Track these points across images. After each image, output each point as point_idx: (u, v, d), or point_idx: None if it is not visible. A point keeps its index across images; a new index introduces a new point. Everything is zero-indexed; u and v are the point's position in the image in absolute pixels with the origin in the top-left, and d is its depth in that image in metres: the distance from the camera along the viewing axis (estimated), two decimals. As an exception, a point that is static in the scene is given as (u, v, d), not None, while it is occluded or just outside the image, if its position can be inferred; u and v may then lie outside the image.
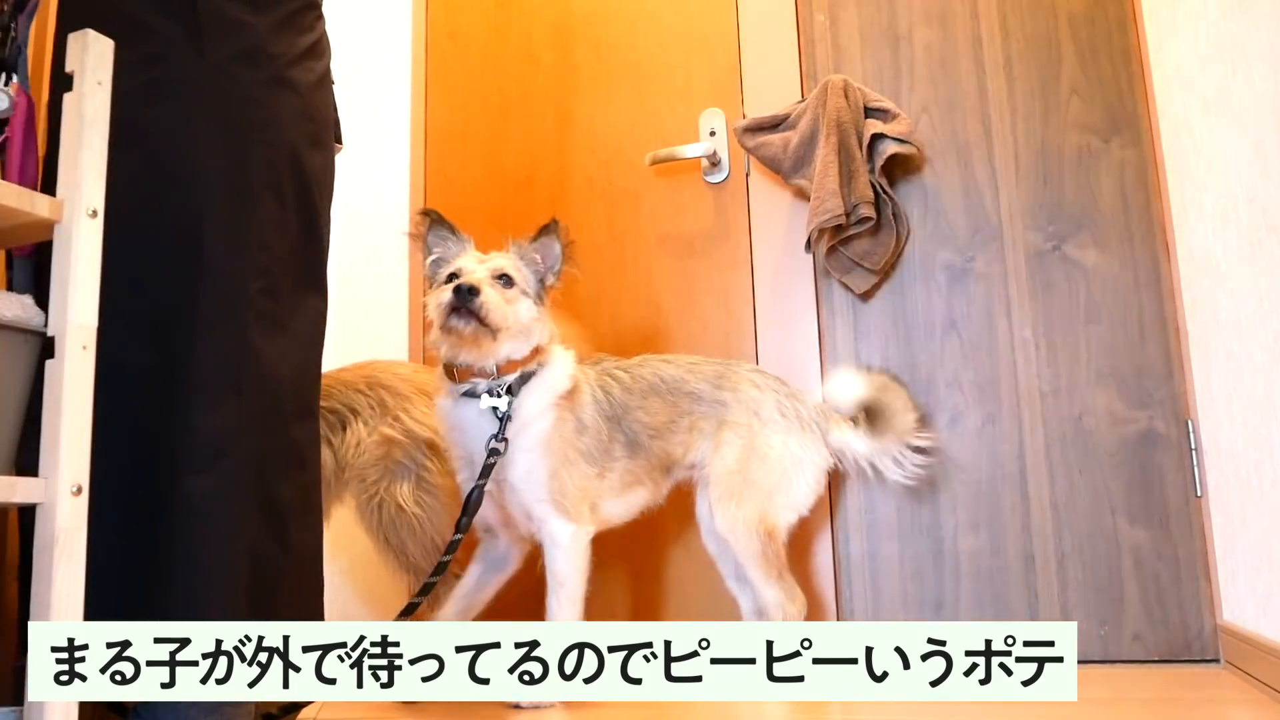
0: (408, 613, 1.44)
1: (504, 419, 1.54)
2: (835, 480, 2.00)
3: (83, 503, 1.02)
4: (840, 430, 1.75)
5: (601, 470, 1.64)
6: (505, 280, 1.57)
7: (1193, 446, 1.82)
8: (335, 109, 1.54)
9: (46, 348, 1.03)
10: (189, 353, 1.19)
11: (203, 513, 1.15)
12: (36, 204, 1.04)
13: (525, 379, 1.58)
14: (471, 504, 1.52)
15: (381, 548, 1.81)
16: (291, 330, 1.29)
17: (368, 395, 1.84)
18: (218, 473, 1.17)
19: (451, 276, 1.55)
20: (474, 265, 1.57)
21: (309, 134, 1.36)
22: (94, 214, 1.07)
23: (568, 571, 1.56)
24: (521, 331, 1.57)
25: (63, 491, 1.00)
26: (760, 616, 1.79)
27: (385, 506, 1.78)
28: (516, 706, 1.51)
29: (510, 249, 1.63)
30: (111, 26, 1.10)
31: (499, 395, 1.55)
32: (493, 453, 1.53)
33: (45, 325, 1.04)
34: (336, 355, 1.86)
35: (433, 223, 1.67)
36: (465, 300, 1.48)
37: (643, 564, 2.12)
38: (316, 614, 1.34)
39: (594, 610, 2.12)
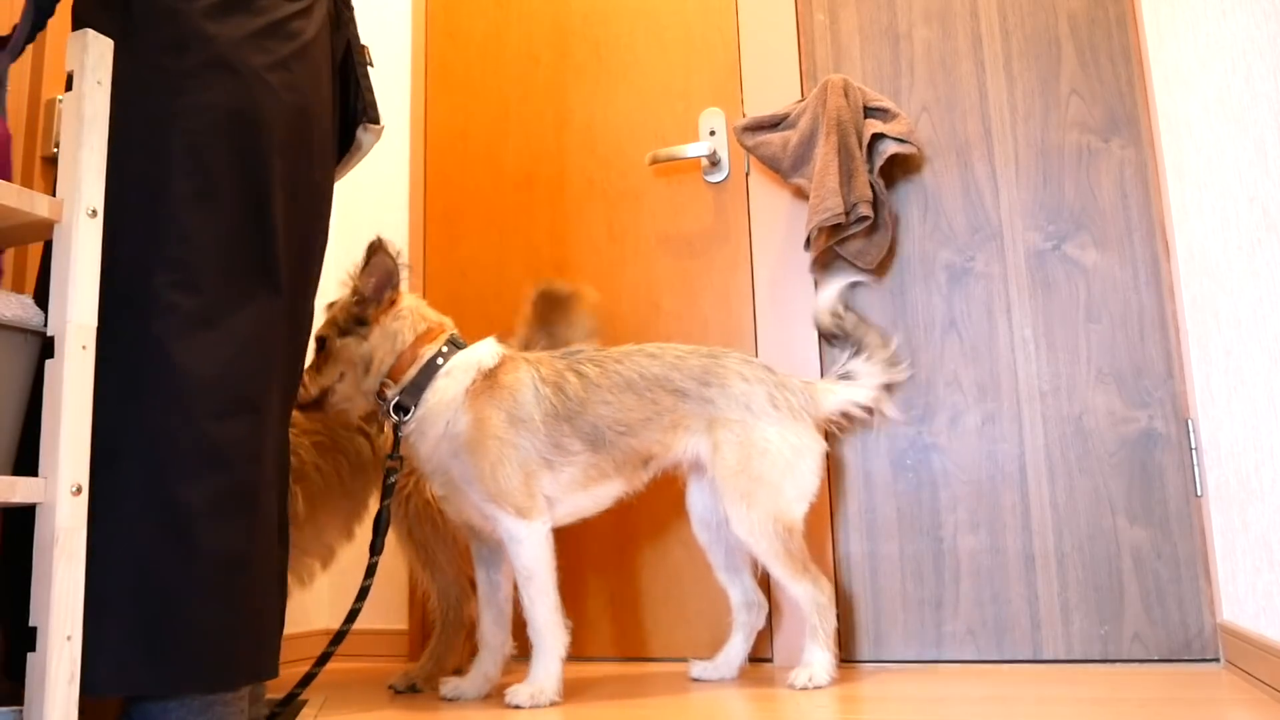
0: (337, 641, 1.47)
1: (396, 440, 1.59)
2: (835, 480, 2.01)
3: (83, 503, 1.02)
4: (831, 394, 1.76)
5: (551, 464, 1.60)
6: (319, 344, 1.63)
7: (1193, 446, 1.82)
8: (344, 89, 1.49)
9: (46, 348, 1.03)
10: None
11: (89, 516, 1.10)
12: (36, 204, 1.04)
13: (421, 387, 1.59)
14: (382, 524, 1.56)
15: (404, 540, 1.84)
16: (226, 326, 1.21)
17: None
18: (107, 475, 1.11)
19: None
20: None
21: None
22: (93, 214, 1.07)
23: (531, 565, 1.56)
24: (361, 363, 1.61)
25: (63, 491, 1.00)
26: (751, 610, 1.80)
27: (413, 500, 1.83)
28: (516, 706, 1.51)
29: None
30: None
31: (390, 415, 1.60)
32: (390, 471, 1.58)
33: (45, 325, 1.05)
34: (336, 355, 1.87)
35: None
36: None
37: (636, 556, 2.12)
38: (246, 622, 1.20)
39: (589, 603, 2.12)
